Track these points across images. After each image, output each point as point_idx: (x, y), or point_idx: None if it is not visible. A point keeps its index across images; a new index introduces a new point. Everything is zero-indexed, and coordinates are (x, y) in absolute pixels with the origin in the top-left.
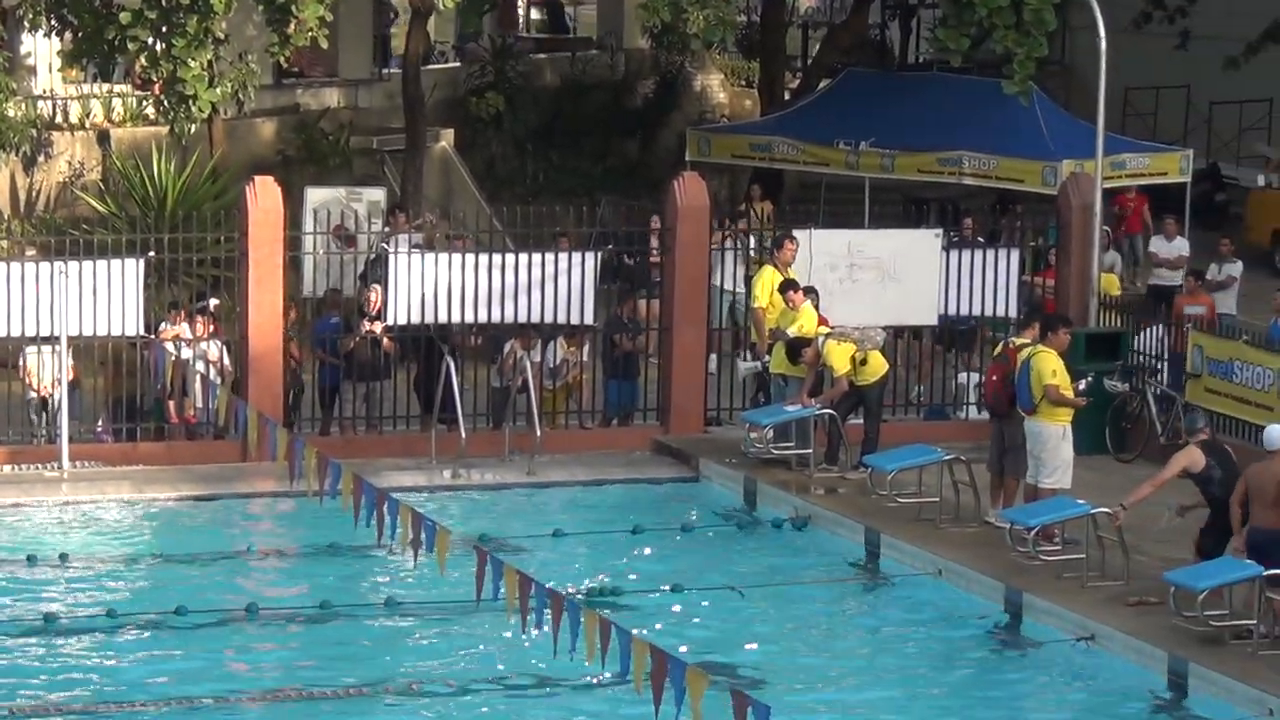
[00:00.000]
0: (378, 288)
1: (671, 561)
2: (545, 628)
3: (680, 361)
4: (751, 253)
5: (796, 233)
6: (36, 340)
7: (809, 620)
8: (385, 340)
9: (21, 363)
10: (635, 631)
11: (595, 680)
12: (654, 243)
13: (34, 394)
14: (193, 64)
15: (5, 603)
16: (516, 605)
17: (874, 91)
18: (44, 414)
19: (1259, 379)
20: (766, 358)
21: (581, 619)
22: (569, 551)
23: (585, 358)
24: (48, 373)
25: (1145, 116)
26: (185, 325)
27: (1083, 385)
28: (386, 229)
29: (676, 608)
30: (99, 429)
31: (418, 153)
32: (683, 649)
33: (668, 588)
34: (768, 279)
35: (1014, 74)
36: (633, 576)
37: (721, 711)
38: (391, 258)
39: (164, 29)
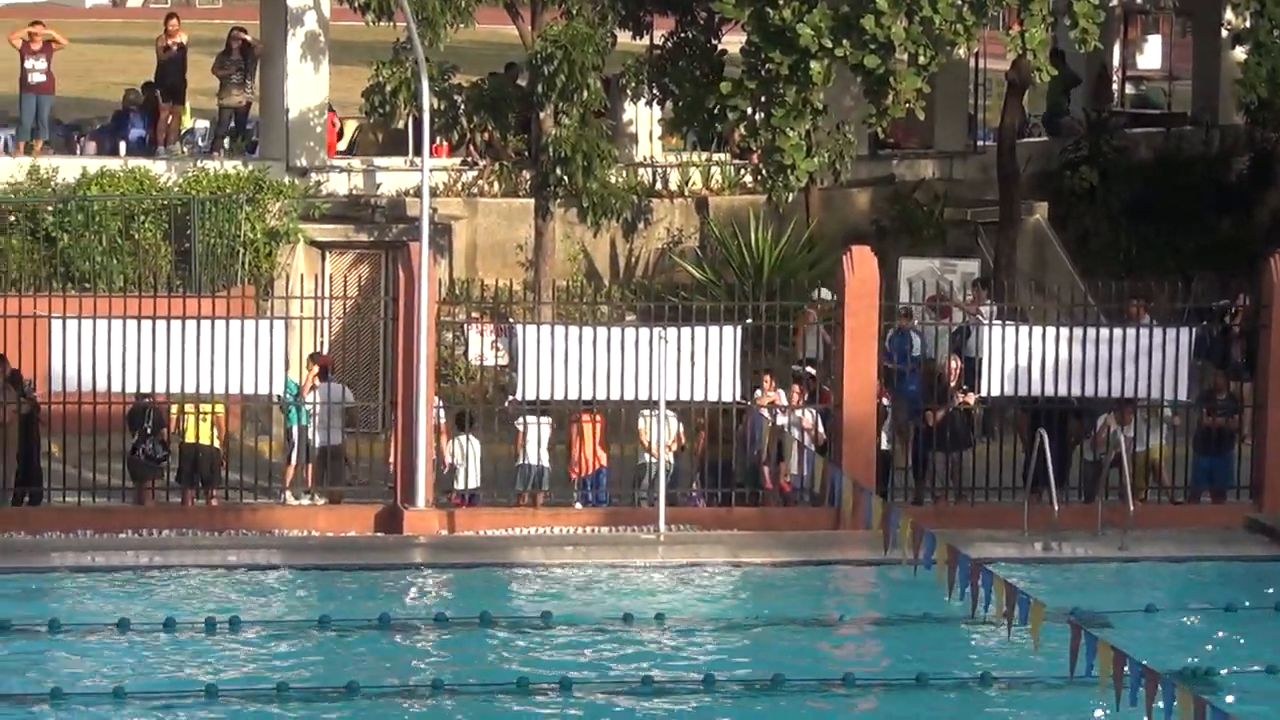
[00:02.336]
0: (957, 357)
1: (1268, 642)
2: (1137, 705)
3: (1275, 439)
4: None
5: None
6: (645, 403)
7: None
8: (971, 409)
9: (640, 426)
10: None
11: None
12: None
13: (648, 457)
14: (791, 134)
15: (605, 662)
16: (1111, 681)
17: None
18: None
19: None
20: None
21: (1176, 699)
22: (1160, 627)
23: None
24: (662, 436)
25: None
26: (780, 392)
27: None
28: (970, 300)
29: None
30: (694, 493)
31: (1011, 225)
32: None
33: (1262, 668)
34: None
35: None
36: (1227, 656)
37: None
38: (984, 330)
39: (763, 99)
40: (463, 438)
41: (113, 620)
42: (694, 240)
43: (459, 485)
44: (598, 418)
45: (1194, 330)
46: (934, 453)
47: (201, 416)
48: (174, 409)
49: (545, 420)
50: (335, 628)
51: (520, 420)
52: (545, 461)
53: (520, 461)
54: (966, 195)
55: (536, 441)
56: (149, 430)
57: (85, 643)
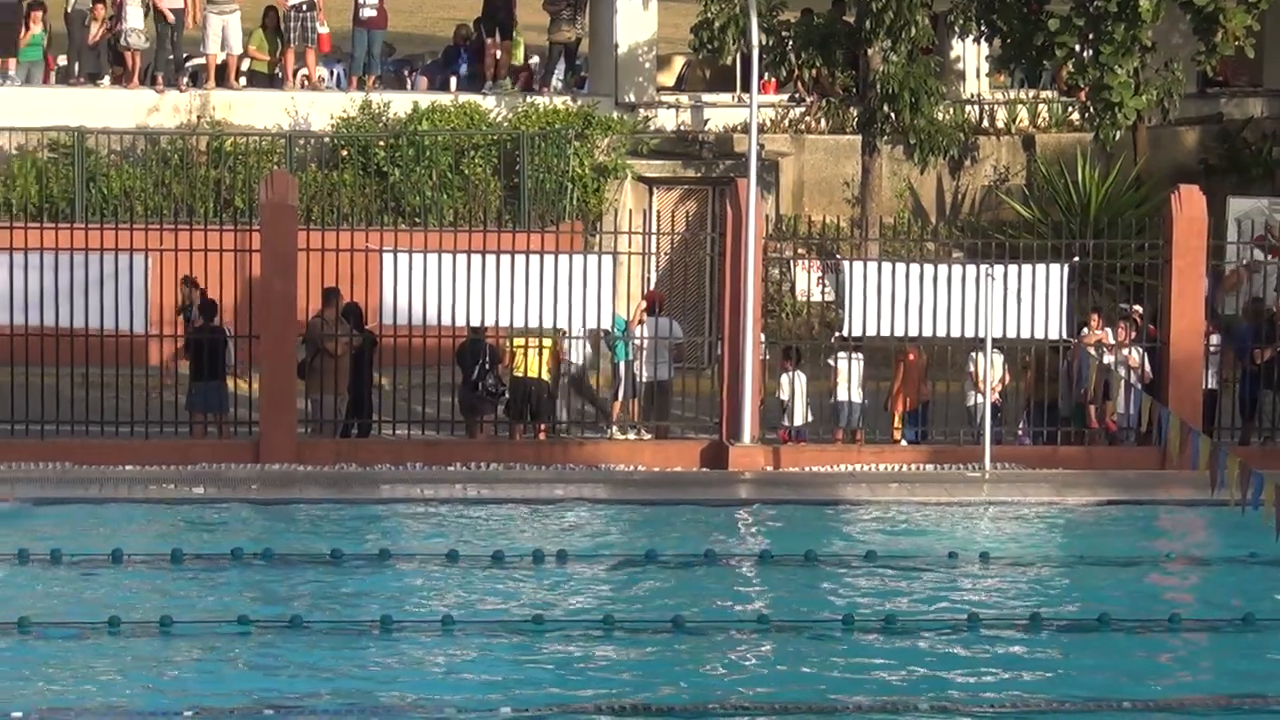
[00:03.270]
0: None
1: None
2: None
3: None
4: None
5: None
6: (982, 343)
7: None
8: None
9: (970, 366)
10: None
11: None
12: None
13: (976, 395)
14: (1119, 71)
15: (929, 599)
16: None
17: None
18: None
19: None
20: None
21: None
22: None
23: None
24: (994, 374)
25: None
26: (1107, 331)
27: None
28: None
29: None
30: (1020, 432)
31: None
32: None
33: None
34: None
35: None
36: None
37: None
38: None
39: (1091, 36)
40: (792, 373)
41: (441, 552)
42: (1020, 178)
43: (787, 421)
44: (923, 355)
45: None
46: (1262, 392)
47: (533, 350)
48: (507, 343)
49: (858, 357)
50: (660, 562)
51: (833, 357)
52: (859, 398)
53: (835, 399)
54: None
55: (848, 378)
56: (487, 365)
57: (414, 573)
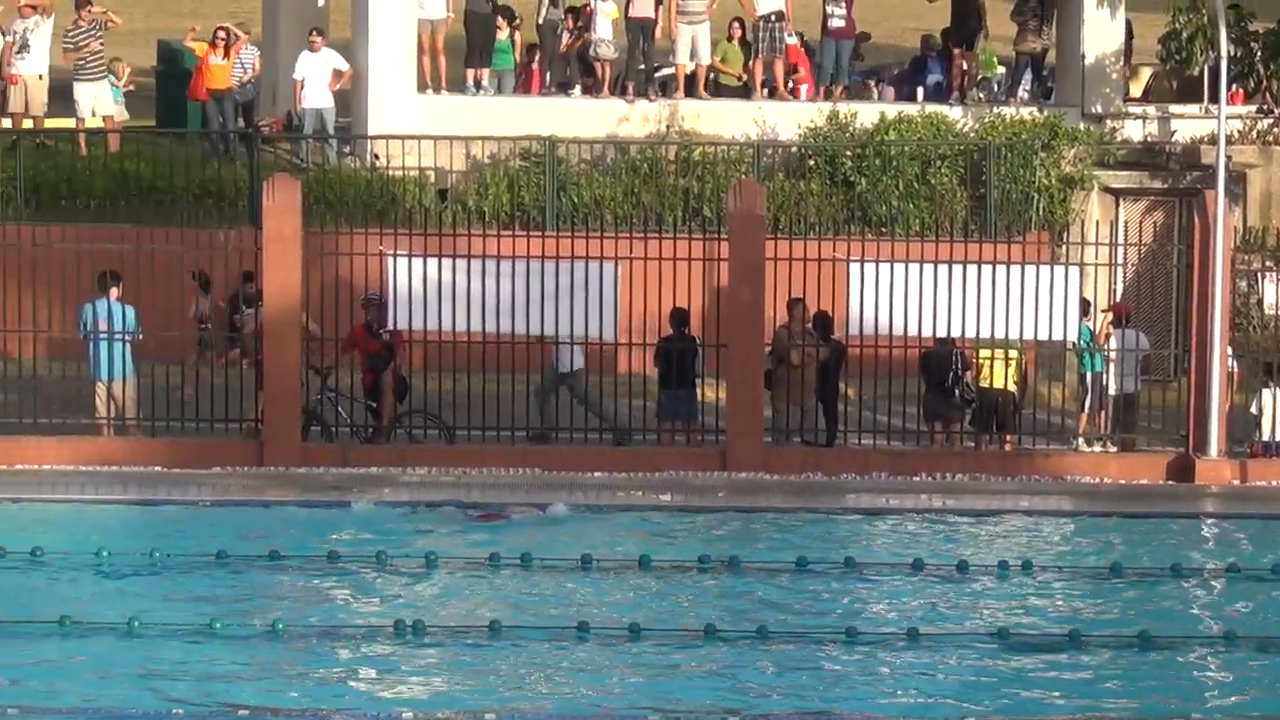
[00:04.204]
0: None
1: None
2: None
3: None
4: None
5: None
6: None
7: None
8: None
9: None
10: None
11: None
12: None
13: None
14: None
15: None
16: None
17: None
18: None
19: None
20: None
21: None
22: None
23: None
24: None
25: None
26: None
27: None
28: None
29: None
30: None
31: None
32: None
33: None
34: None
35: None
36: None
37: None
38: None
39: None
40: (1274, 389)
41: (906, 562)
42: None
43: (1259, 436)
44: None
45: None
46: None
47: (999, 361)
48: (974, 354)
49: None
50: (1126, 576)
51: None
52: None
53: None
54: None
55: None
56: (959, 372)
57: (880, 582)
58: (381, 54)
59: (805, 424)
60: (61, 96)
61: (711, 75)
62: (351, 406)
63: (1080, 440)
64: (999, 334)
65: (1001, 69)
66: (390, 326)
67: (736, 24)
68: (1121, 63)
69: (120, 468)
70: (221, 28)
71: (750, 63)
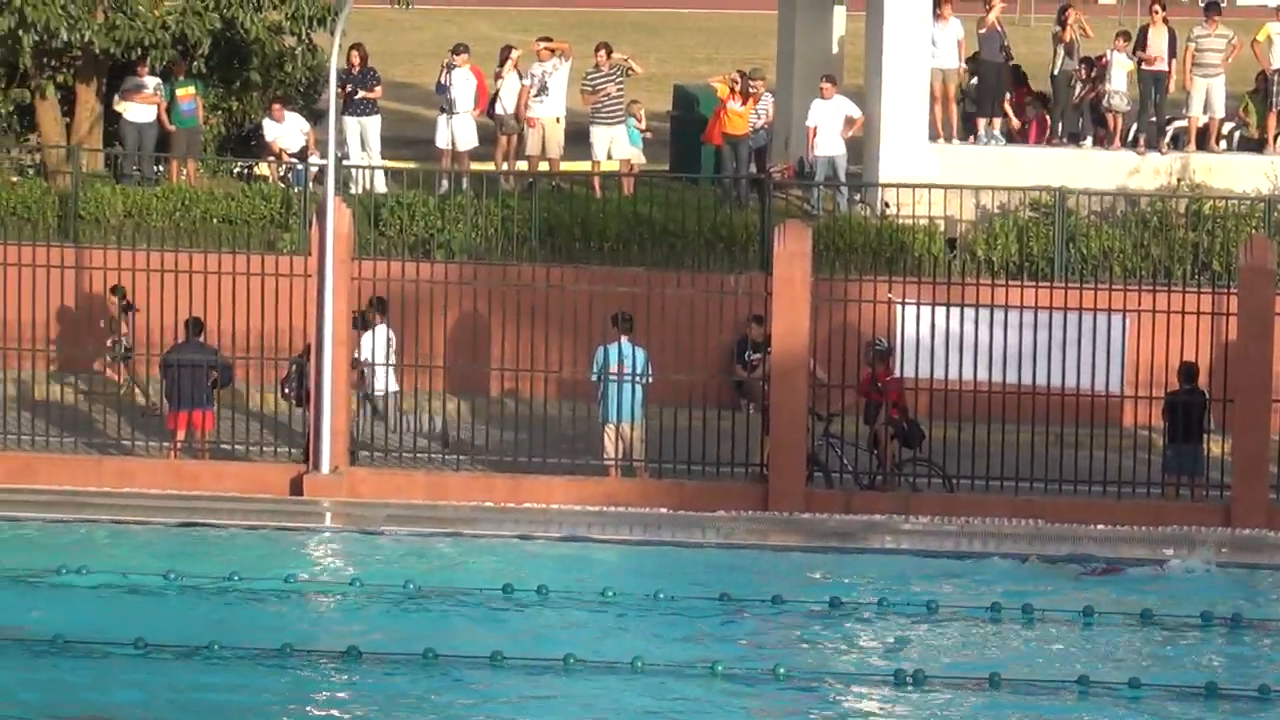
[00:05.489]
0: None
1: None
2: None
3: None
4: None
5: None
6: None
7: None
8: None
9: None
10: None
11: None
12: None
13: None
14: None
15: None
16: None
17: None
18: None
19: None
20: None
21: None
22: None
23: None
24: None
25: None
26: None
27: None
28: None
29: None
30: None
31: None
32: None
33: None
34: None
35: None
36: None
37: None
38: None
39: None
40: None
41: None
42: None
43: None
44: None
45: None
46: None
47: None
48: None
49: None
50: None
51: None
52: None
53: None
54: None
55: None
56: None
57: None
58: (894, 102)
59: None
60: (578, 139)
61: (1224, 128)
62: (856, 454)
63: None
64: None
65: None
66: (893, 375)
67: (1261, 77)
68: None
69: (626, 508)
70: (743, 75)
71: (1264, 117)
